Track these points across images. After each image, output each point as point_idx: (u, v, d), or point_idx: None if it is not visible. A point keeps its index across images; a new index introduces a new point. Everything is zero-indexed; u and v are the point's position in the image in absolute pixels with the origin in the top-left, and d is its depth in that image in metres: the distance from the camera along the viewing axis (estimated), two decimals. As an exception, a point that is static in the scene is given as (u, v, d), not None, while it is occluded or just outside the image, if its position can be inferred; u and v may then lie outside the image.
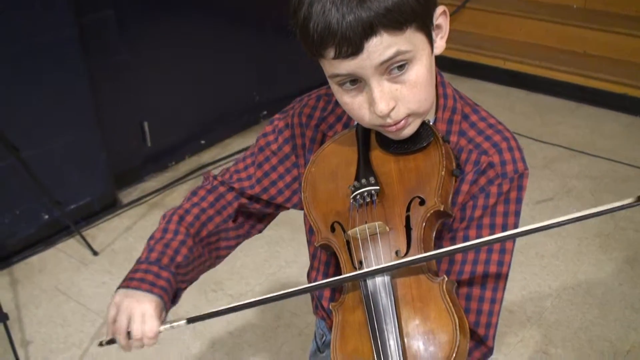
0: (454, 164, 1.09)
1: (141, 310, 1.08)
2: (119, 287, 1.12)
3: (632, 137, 3.70)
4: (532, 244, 2.86)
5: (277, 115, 1.29)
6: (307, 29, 0.99)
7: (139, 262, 1.16)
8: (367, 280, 1.04)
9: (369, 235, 1.07)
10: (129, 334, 1.09)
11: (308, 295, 2.78)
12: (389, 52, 0.98)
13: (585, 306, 2.55)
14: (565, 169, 3.40)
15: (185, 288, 1.22)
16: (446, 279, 1.02)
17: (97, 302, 2.68)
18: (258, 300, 1.09)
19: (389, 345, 0.99)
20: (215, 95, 3.71)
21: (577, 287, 2.64)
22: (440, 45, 1.08)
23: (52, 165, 2.92)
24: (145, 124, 3.40)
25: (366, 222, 1.06)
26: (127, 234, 3.08)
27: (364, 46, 0.97)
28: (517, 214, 1.13)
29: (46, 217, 2.98)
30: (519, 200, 1.12)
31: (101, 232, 3.10)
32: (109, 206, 3.24)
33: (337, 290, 1.22)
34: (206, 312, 1.10)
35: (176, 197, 3.34)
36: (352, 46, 0.97)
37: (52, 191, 2.84)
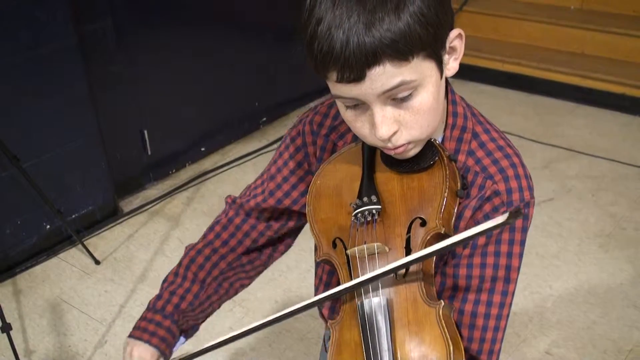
0: (458, 185, 1.07)
1: (138, 357, 1.18)
2: (129, 335, 1.21)
3: (631, 137, 3.71)
4: (533, 245, 2.86)
5: (292, 126, 1.29)
6: (311, 48, 0.96)
7: (148, 307, 1.24)
8: (364, 301, 1.04)
9: (368, 255, 1.06)
10: None
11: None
12: (393, 82, 0.95)
13: (586, 306, 2.55)
14: (565, 169, 3.41)
15: (201, 323, 1.30)
16: (443, 303, 1.01)
17: (100, 310, 2.69)
18: (253, 328, 1.11)
19: None
20: (215, 102, 3.73)
21: (579, 286, 2.65)
22: (453, 67, 1.05)
23: (53, 175, 2.93)
24: (145, 132, 3.41)
25: (365, 243, 1.06)
26: (129, 242, 3.09)
27: (366, 74, 0.94)
28: (523, 242, 1.11)
29: (48, 226, 2.99)
30: (524, 230, 1.11)
31: (103, 241, 3.11)
32: (110, 215, 3.25)
33: (336, 307, 1.22)
34: (193, 351, 1.20)
35: (177, 204, 3.35)
36: (354, 73, 0.94)
37: (54, 201, 2.85)
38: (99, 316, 2.66)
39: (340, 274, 1.09)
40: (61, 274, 2.91)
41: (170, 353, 1.20)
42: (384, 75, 0.94)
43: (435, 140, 1.10)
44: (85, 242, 3.00)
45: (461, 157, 1.12)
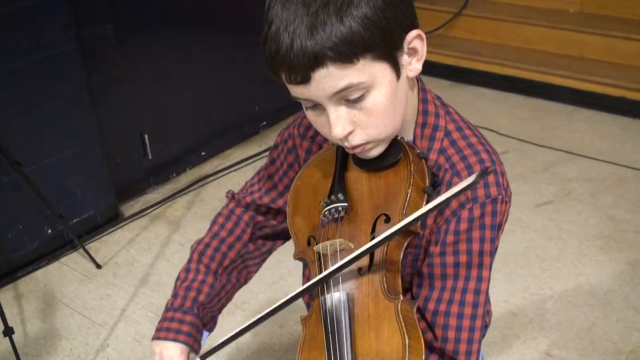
0: (426, 182, 1.07)
1: (169, 357, 1.20)
2: (153, 338, 1.23)
3: (631, 139, 3.72)
4: (533, 247, 2.87)
5: (286, 126, 1.31)
6: (264, 50, 0.99)
7: (166, 308, 1.25)
8: (326, 297, 1.06)
9: (333, 252, 1.08)
10: None
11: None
12: (340, 85, 0.97)
13: (586, 307, 2.56)
14: (565, 172, 3.41)
15: (219, 313, 1.32)
16: (401, 298, 1.02)
17: (102, 314, 2.70)
18: (252, 322, 1.12)
19: None
20: (215, 107, 3.74)
21: (579, 288, 2.66)
22: (415, 67, 1.06)
23: (54, 180, 2.94)
24: (146, 137, 3.42)
25: (328, 239, 1.08)
26: (130, 246, 3.10)
27: (311, 76, 0.96)
28: (493, 240, 1.11)
29: (49, 231, 3.00)
30: (493, 227, 1.10)
31: (104, 245, 3.12)
32: (112, 219, 3.26)
33: (309, 304, 1.25)
34: (214, 345, 1.19)
35: (178, 208, 3.36)
36: (300, 75, 0.96)
37: (55, 205, 2.86)
38: (100, 320, 2.67)
39: (312, 270, 1.12)
40: (63, 278, 2.91)
41: (199, 347, 1.22)
42: (329, 78, 0.96)
43: (402, 138, 1.11)
44: (86, 247, 3.01)
45: (433, 156, 1.12)
